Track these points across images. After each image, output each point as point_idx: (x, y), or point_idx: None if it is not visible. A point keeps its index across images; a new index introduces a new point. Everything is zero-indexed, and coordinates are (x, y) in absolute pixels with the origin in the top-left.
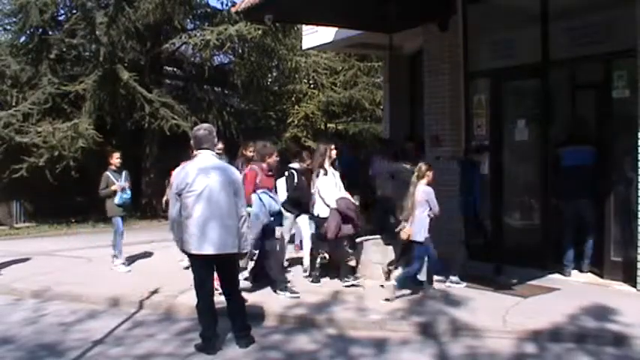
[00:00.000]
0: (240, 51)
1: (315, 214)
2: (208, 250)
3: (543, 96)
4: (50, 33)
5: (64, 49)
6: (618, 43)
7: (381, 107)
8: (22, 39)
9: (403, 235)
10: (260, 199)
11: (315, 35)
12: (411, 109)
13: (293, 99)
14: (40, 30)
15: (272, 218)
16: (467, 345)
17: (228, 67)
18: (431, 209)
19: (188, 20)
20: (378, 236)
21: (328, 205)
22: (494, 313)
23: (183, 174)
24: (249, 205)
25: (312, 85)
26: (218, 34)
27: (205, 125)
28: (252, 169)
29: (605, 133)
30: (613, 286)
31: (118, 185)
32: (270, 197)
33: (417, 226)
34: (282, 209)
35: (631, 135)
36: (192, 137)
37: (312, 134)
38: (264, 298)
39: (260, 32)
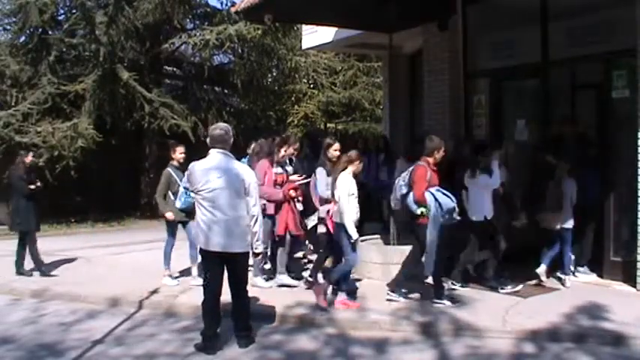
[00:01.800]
0: (239, 51)
1: (475, 218)
2: (214, 247)
3: (543, 96)
4: (50, 33)
5: (64, 49)
6: (618, 43)
7: (381, 107)
8: (22, 39)
9: (554, 225)
10: (435, 197)
11: (314, 35)
12: (410, 108)
13: (293, 99)
14: (40, 30)
15: (447, 217)
16: (467, 345)
17: (228, 67)
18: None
19: (188, 20)
20: (377, 236)
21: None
22: (494, 314)
23: (193, 174)
24: (423, 205)
25: (311, 85)
26: (218, 33)
27: (222, 125)
28: (421, 165)
29: (605, 132)
30: (613, 286)
31: None
32: (445, 195)
33: (566, 215)
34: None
35: (631, 135)
36: (208, 136)
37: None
38: (265, 297)
39: (260, 32)
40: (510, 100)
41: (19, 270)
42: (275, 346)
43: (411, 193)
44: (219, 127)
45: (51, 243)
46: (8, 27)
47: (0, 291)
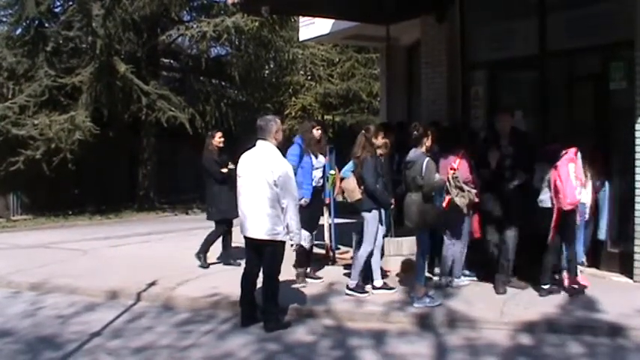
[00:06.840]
0: (237, 43)
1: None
2: (243, 231)
3: (541, 87)
4: (46, 25)
5: (61, 42)
6: (616, 34)
7: (379, 99)
8: (19, 31)
9: None
10: None
11: (312, 27)
12: (408, 100)
13: (290, 91)
14: (37, 22)
15: None
16: (464, 336)
17: (225, 59)
18: None
19: (185, 12)
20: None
21: None
22: (492, 305)
23: (239, 162)
24: None
25: (309, 77)
26: (215, 25)
27: (268, 116)
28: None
29: (603, 124)
30: (610, 278)
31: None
32: None
33: None
34: None
35: (628, 126)
36: None
37: None
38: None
39: (257, 24)
40: (508, 92)
41: (226, 261)
42: (273, 338)
43: None
44: (262, 118)
45: (48, 235)
46: (4, 19)
47: None
